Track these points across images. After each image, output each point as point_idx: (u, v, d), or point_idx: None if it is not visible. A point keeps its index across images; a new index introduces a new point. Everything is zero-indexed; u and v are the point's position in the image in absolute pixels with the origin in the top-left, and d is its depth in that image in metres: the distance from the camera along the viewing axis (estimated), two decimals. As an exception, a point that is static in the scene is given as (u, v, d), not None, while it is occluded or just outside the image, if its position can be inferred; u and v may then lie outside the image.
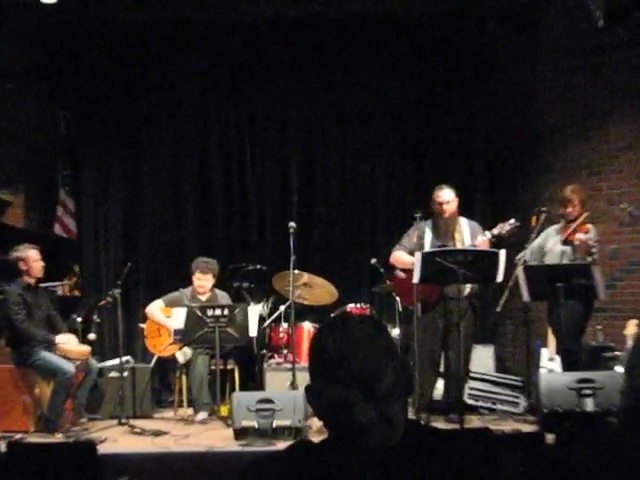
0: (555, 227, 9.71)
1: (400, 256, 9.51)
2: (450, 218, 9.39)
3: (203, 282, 10.29)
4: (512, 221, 9.32)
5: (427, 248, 9.20)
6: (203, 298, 10.30)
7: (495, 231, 9.29)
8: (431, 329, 9.26)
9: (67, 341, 9.48)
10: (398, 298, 10.21)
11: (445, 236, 9.39)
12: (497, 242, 9.26)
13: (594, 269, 8.96)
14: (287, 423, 8.24)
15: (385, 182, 12.50)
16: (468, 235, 9.40)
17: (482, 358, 10.80)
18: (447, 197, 9.38)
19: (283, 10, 11.69)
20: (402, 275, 9.34)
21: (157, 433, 8.84)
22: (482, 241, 9.19)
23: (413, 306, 9.36)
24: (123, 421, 9.39)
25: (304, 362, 9.63)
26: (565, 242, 9.47)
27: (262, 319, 10.55)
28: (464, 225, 9.49)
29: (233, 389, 9.97)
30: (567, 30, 11.43)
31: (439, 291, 9.25)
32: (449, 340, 9.29)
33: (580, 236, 9.28)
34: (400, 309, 10.28)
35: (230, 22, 12.05)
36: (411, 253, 9.31)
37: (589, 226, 9.47)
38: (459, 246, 9.21)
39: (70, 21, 11.71)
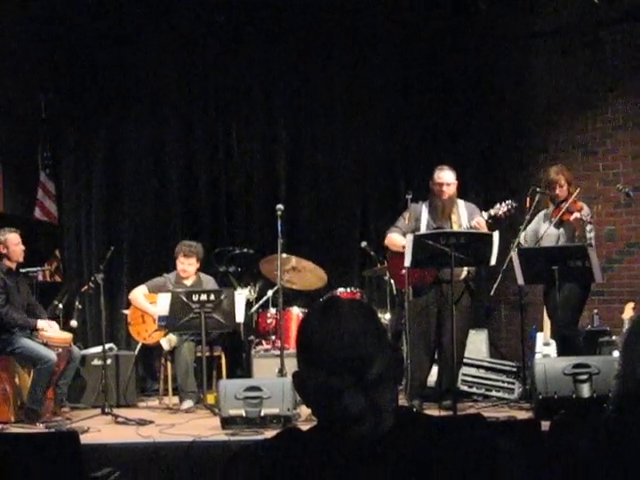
0: (544, 212, 9.72)
1: (395, 238, 9.47)
2: (448, 200, 9.39)
3: (186, 266, 10.28)
4: (509, 201, 9.36)
5: (423, 229, 9.20)
6: (188, 283, 10.30)
7: (492, 212, 9.33)
8: (425, 313, 9.26)
9: (48, 326, 9.49)
10: (392, 280, 10.21)
11: (442, 218, 9.39)
12: (493, 223, 9.28)
13: (590, 251, 8.98)
14: (275, 411, 8.24)
15: (375, 164, 12.49)
16: (465, 217, 9.39)
17: (476, 343, 10.82)
18: (448, 179, 9.37)
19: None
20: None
21: (141, 422, 8.83)
22: (478, 222, 9.19)
23: (406, 289, 9.43)
24: (106, 410, 9.37)
25: (293, 348, 9.62)
26: (560, 224, 9.48)
27: (249, 304, 10.55)
28: (461, 207, 9.47)
29: (220, 376, 9.99)
30: (562, 5, 11.43)
31: (434, 273, 9.24)
32: (444, 324, 9.30)
33: (576, 215, 9.30)
34: (394, 292, 10.29)
35: (213, 1, 12.03)
36: (406, 235, 9.35)
37: (582, 204, 9.50)
38: (455, 228, 9.19)
39: (51, 6, 11.67)
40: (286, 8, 12.17)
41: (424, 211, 9.41)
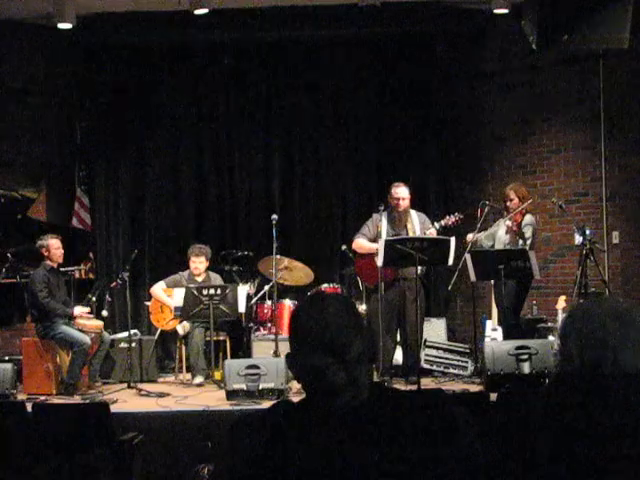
0: (503, 219, 9.77)
1: (362, 243, 9.54)
2: (403, 211, 9.42)
3: (197, 264, 10.25)
4: (456, 214, 9.45)
5: (384, 236, 9.22)
6: (199, 279, 10.28)
7: (442, 222, 9.39)
8: (388, 305, 9.27)
9: (82, 313, 9.52)
10: (359, 279, 10.24)
11: (399, 226, 9.42)
12: (444, 232, 9.31)
13: (530, 253, 9.04)
14: (271, 385, 8.26)
15: (354, 181, 12.47)
16: (418, 225, 9.44)
17: (436, 329, 10.83)
18: (403, 194, 9.41)
19: (266, 34, 11.75)
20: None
21: (161, 395, 8.83)
22: (430, 233, 9.26)
23: (370, 285, 9.54)
24: (132, 385, 9.37)
25: (285, 334, 9.61)
26: (507, 231, 9.55)
27: (249, 297, 10.54)
28: (414, 216, 9.51)
29: (225, 357, 9.95)
30: (506, 50, 11.47)
31: (393, 273, 9.27)
32: (405, 314, 9.33)
33: (507, 222, 9.41)
34: (362, 289, 10.30)
35: (220, 44, 12.04)
36: (372, 240, 9.37)
37: (527, 216, 9.55)
38: (411, 234, 9.24)
39: (84, 45, 11.68)
40: (281, 56, 12.20)
41: (384, 220, 9.42)
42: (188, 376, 9.92)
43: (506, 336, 9.25)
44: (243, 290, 10.07)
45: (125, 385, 9.48)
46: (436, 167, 12.39)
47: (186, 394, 8.88)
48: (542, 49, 9.66)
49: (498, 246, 9.61)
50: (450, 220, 9.38)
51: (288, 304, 10.44)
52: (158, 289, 10.39)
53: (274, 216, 9.92)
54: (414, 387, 8.58)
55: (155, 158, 12.44)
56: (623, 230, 10.81)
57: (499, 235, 9.67)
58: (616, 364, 2.70)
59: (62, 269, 9.88)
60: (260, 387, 8.23)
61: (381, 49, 12.16)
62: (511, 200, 9.55)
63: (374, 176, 12.38)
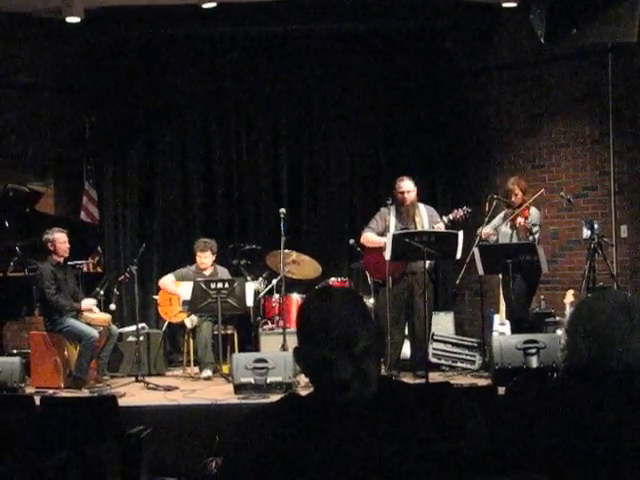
0: (504, 212, 9.75)
1: (370, 237, 9.52)
2: (410, 205, 9.41)
3: (203, 259, 10.27)
4: (464, 208, 9.44)
5: (392, 230, 9.20)
6: (207, 273, 10.29)
7: (451, 216, 9.39)
8: (396, 299, 9.26)
9: (89, 305, 9.54)
10: (367, 273, 10.23)
11: (407, 220, 9.41)
12: (452, 226, 9.30)
13: (538, 247, 9.04)
14: (279, 379, 8.26)
15: (361, 175, 12.48)
16: (426, 218, 9.43)
17: (444, 323, 10.85)
18: (408, 187, 9.40)
19: (274, 28, 11.73)
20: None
21: (168, 388, 8.84)
22: (439, 227, 9.25)
23: (379, 279, 9.50)
24: (139, 378, 9.38)
25: (293, 327, 9.60)
26: (513, 226, 9.54)
27: (257, 291, 10.54)
28: (422, 210, 9.51)
29: (233, 350, 9.96)
30: (515, 45, 11.45)
31: (402, 267, 9.26)
32: (413, 308, 9.33)
33: (520, 220, 9.40)
34: (370, 283, 10.29)
35: (228, 37, 12.03)
36: (380, 234, 9.36)
37: (532, 210, 9.55)
38: (419, 228, 9.23)
39: (92, 39, 11.68)
40: (289, 49, 12.19)
41: (392, 214, 9.41)
42: (196, 370, 9.93)
43: (514, 330, 9.25)
44: (251, 284, 10.09)
45: (133, 379, 9.49)
46: (444, 161, 12.38)
47: (194, 388, 8.90)
48: (551, 43, 9.63)
49: (503, 240, 9.61)
50: (458, 214, 9.38)
51: (296, 298, 10.43)
52: (168, 281, 10.40)
53: (282, 210, 9.93)
54: (422, 381, 8.58)
55: (163, 152, 12.47)
56: (631, 224, 10.79)
57: (504, 230, 9.66)
58: (623, 357, 2.70)
59: (70, 263, 9.91)
60: (268, 381, 8.24)
61: (389, 43, 12.13)
62: (516, 195, 9.56)
63: (382, 170, 12.37)
